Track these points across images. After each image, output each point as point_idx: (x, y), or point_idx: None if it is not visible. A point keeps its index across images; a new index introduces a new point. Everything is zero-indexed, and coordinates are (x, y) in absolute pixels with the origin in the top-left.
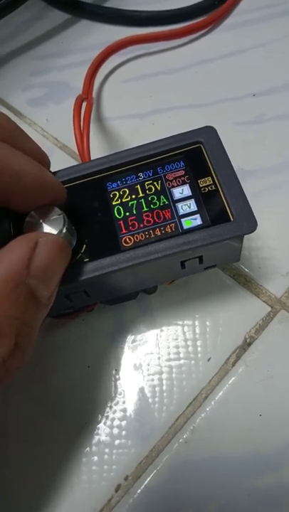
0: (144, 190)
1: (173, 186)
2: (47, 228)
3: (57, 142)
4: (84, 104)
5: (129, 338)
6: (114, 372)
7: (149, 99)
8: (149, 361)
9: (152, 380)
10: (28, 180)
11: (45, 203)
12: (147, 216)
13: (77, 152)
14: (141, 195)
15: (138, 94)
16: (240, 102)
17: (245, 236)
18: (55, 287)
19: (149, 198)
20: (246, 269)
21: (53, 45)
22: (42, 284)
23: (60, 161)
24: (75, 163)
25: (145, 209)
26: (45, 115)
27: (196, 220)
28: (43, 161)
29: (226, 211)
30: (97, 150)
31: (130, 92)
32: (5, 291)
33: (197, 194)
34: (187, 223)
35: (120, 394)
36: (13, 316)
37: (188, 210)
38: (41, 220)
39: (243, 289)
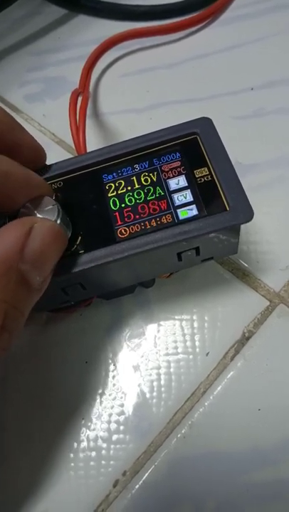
0: (139, 182)
1: (169, 177)
2: None
3: (54, 137)
4: (80, 99)
5: (127, 332)
6: (111, 367)
7: (146, 93)
8: (147, 356)
9: (150, 374)
10: (15, 179)
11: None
12: (143, 207)
13: (74, 147)
14: (137, 186)
15: (135, 89)
16: (237, 96)
17: (244, 230)
18: (49, 273)
19: (145, 190)
20: (244, 263)
21: (49, 41)
22: (35, 269)
23: (57, 156)
24: None
25: (141, 200)
26: (42, 111)
27: (192, 211)
28: (39, 153)
29: (222, 201)
30: (94, 145)
31: (127, 87)
32: None
33: (193, 185)
34: (183, 214)
35: (118, 389)
36: (1, 299)
37: (184, 201)
38: (35, 211)
39: (242, 283)
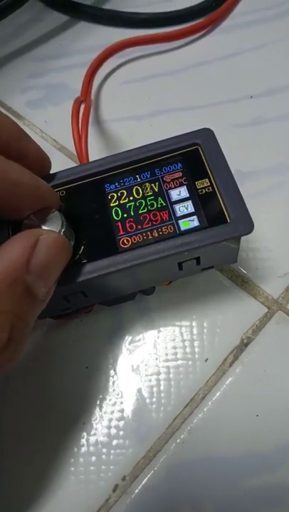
0: (141, 192)
1: (170, 188)
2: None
3: (56, 144)
4: (82, 106)
5: (127, 338)
6: (112, 372)
7: (148, 101)
8: (147, 362)
9: (150, 380)
10: (24, 189)
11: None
12: (145, 218)
13: (75, 154)
14: (139, 196)
15: (136, 96)
16: (237, 104)
17: (243, 237)
18: (53, 284)
19: (147, 200)
20: (243, 271)
21: (51, 47)
22: (40, 280)
23: (58, 163)
24: (73, 164)
25: (143, 210)
26: (43, 117)
27: (194, 222)
28: (45, 162)
29: (223, 212)
30: (96, 152)
31: (128, 94)
32: (1, 286)
33: (194, 196)
34: (184, 225)
35: (118, 394)
36: (8, 310)
37: (185, 212)
38: (39, 222)
39: (241, 290)
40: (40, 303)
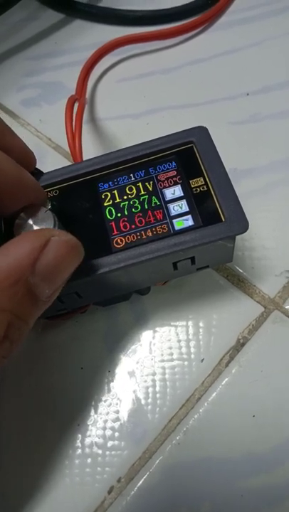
0: (135, 191)
1: (165, 187)
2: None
3: (50, 143)
4: (76, 105)
5: (122, 339)
6: (107, 373)
7: (143, 99)
8: (142, 362)
9: (145, 381)
10: (6, 179)
11: (24, 205)
12: (139, 217)
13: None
14: (132, 195)
15: (132, 94)
16: (234, 102)
17: (239, 236)
18: (59, 286)
19: (141, 199)
20: (239, 270)
21: (46, 45)
22: (44, 283)
23: (53, 162)
24: (68, 163)
25: (137, 210)
26: (38, 116)
27: (188, 221)
28: (30, 158)
29: (218, 212)
30: (91, 151)
31: (124, 92)
32: (3, 284)
33: (189, 195)
34: (179, 224)
35: (113, 395)
36: (6, 309)
37: (179, 211)
38: (31, 221)
39: (237, 290)
40: (43, 304)
